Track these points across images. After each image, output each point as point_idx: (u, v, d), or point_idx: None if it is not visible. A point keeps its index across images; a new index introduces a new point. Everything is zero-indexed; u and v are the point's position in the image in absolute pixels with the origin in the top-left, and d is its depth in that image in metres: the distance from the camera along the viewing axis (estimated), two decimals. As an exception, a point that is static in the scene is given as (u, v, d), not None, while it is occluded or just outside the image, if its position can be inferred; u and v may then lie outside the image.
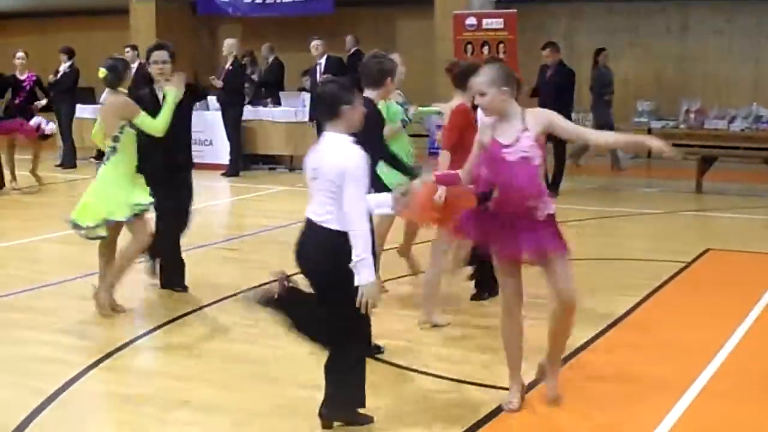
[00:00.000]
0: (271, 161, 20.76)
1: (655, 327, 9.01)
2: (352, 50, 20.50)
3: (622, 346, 8.46)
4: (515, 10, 19.88)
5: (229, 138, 19.49)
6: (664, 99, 22.71)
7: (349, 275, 6.08)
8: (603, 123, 19.02)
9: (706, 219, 15.12)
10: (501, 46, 18.99)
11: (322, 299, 6.34)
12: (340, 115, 6.26)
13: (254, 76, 22.20)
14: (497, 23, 19.09)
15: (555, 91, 16.34)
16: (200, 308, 9.58)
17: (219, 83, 19.35)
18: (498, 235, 6.65)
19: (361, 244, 6.05)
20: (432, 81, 20.36)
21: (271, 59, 22.16)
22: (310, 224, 6.30)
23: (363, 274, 6.04)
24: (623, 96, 22.09)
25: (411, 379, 7.63)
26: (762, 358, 8.04)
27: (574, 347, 8.14)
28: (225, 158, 19.63)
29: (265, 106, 20.83)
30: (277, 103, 20.84)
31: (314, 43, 18.65)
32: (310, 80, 19.13)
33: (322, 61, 18.40)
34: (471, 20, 19.29)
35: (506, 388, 6.98)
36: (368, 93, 8.07)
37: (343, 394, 6.51)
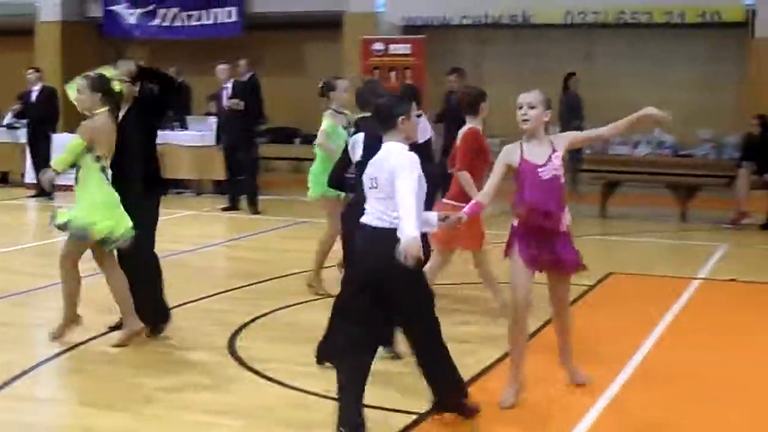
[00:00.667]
0: (179, 185, 20.67)
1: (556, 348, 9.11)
2: (247, 75, 20.45)
3: (528, 365, 8.54)
4: (423, 36, 20.04)
5: (136, 161, 19.32)
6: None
7: (422, 274, 6.70)
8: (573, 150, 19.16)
9: (609, 243, 15.33)
10: (408, 71, 19.11)
11: (404, 298, 6.60)
12: (397, 125, 6.59)
13: (161, 100, 22.07)
14: (405, 49, 19.24)
15: (460, 116, 16.39)
16: (105, 333, 9.47)
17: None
18: (528, 245, 7.52)
19: (407, 210, 6.30)
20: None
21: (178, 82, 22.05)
22: (377, 232, 6.52)
23: (405, 229, 6.24)
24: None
25: (326, 406, 7.57)
26: (664, 376, 8.19)
27: (481, 368, 8.24)
28: (131, 182, 19.45)
29: (172, 129, 20.74)
30: (184, 127, 20.77)
31: (220, 67, 18.60)
32: (216, 105, 19.07)
33: (229, 85, 18.36)
34: (378, 45, 19.42)
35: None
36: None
37: (451, 378, 6.93)
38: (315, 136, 11.05)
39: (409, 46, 19.30)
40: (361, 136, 8.73)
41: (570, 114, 19.67)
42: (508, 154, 7.38)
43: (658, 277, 12.51)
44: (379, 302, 6.57)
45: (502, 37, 23.67)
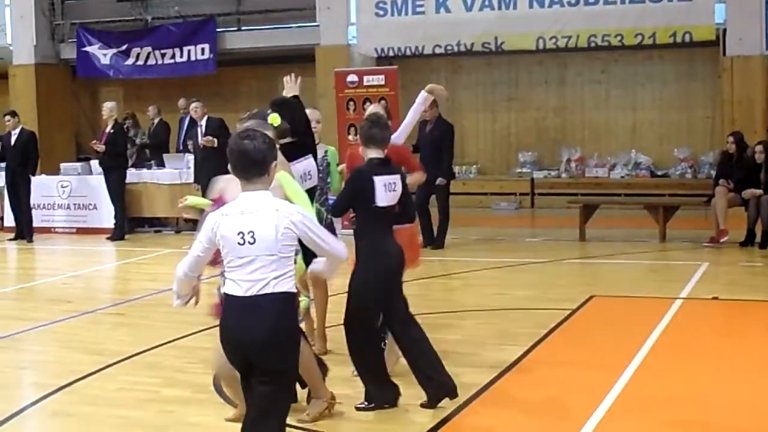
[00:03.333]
0: (157, 223, 20.65)
1: (544, 374, 9.11)
2: (156, 120, 21.00)
3: (512, 394, 8.54)
4: (396, 67, 20.07)
5: (113, 202, 19.32)
6: (545, 149, 23.10)
7: (297, 344, 5.92)
8: None
9: (589, 266, 15.34)
10: (383, 102, 19.10)
11: (275, 372, 5.76)
12: (269, 172, 5.88)
13: (136, 139, 22.08)
14: (378, 80, 19.21)
15: (435, 145, 16.52)
16: (87, 376, 9.42)
17: (101, 147, 19.20)
18: None
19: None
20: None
21: (156, 121, 22.09)
22: (255, 298, 5.70)
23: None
24: (505, 147, 22.42)
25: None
26: (648, 402, 8.18)
27: (465, 398, 8.22)
28: (110, 222, 19.45)
29: (149, 168, 20.73)
30: (161, 165, 20.74)
31: (193, 105, 18.63)
32: (192, 142, 19.04)
33: (203, 123, 18.37)
34: (352, 77, 19.40)
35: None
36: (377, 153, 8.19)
37: None
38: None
39: (382, 77, 19.28)
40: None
41: None
42: None
43: (640, 298, 12.52)
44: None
45: (473, 64, 23.79)
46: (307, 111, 9.33)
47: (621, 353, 9.57)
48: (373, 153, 8.15)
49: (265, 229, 5.69)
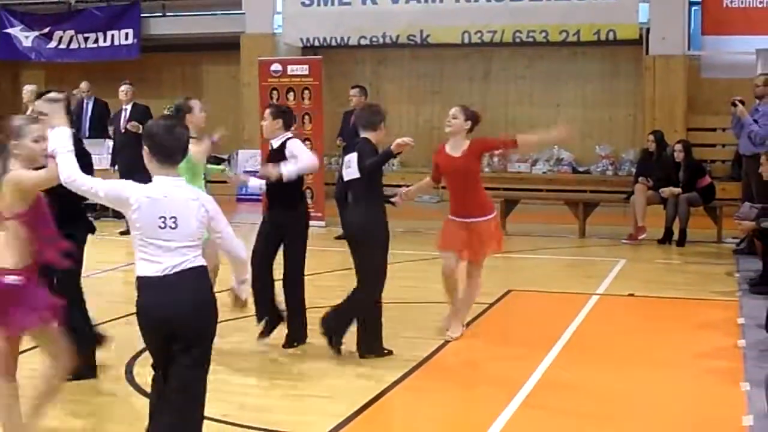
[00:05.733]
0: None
1: (459, 367, 9.15)
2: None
3: (426, 388, 8.55)
4: (320, 57, 20.01)
5: (31, 186, 19.02)
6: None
7: (216, 313, 6.14)
8: None
9: (509, 260, 15.38)
10: (306, 92, 19.03)
11: (197, 338, 6.01)
12: (181, 160, 6.11)
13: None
14: (302, 70, 19.11)
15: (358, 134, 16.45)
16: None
17: (20, 130, 18.91)
18: None
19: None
20: (238, 126, 20.45)
21: (75, 106, 21.83)
22: (172, 277, 5.90)
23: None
24: (428, 140, 22.41)
25: (223, 429, 7.48)
26: (561, 394, 8.24)
27: (378, 390, 8.22)
28: (27, 207, 19.15)
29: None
30: (81, 149, 20.48)
31: (123, 87, 18.36)
32: (113, 126, 18.84)
33: (128, 107, 18.17)
34: (276, 66, 19.29)
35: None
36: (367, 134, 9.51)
37: None
38: (214, 157, 10.86)
39: (306, 67, 19.20)
40: (354, 156, 9.31)
41: None
42: None
43: (557, 293, 12.60)
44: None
45: (399, 57, 23.77)
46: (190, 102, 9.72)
47: (536, 347, 9.64)
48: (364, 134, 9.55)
49: (186, 217, 5.94)
